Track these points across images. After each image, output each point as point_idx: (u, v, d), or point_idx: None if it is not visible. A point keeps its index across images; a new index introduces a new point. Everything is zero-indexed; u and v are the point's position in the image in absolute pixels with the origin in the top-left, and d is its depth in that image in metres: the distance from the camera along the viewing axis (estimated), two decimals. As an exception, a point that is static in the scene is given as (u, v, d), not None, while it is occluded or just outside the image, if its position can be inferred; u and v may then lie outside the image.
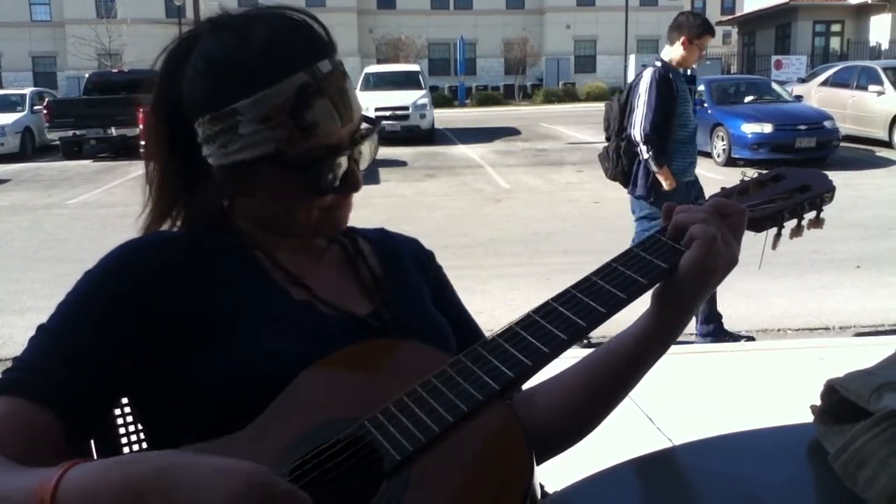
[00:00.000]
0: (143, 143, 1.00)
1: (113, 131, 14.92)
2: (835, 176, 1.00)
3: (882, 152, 12.88)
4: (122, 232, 0.97)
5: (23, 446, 0.75)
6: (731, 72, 36.95)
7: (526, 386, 0.85)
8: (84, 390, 0.82)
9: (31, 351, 0.84)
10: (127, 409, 1.02)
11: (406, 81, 17.64)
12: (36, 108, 16.48)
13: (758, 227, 0.92)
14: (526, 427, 0.73)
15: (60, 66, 37.92)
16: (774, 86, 14.35)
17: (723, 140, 12.03)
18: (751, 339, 4.36)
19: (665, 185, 4.14)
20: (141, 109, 1.01)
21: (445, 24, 39.95)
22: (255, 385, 0.82)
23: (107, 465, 0.66)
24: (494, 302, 5.05)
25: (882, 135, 13.36)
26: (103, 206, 9.85)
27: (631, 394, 0.95)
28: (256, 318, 0.89)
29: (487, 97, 32.29)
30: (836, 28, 32.80)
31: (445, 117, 21.85)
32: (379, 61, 31.06)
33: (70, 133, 15.26)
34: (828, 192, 0.95)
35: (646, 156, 4.14)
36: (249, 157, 0.89)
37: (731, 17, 47.75)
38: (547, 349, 0.76)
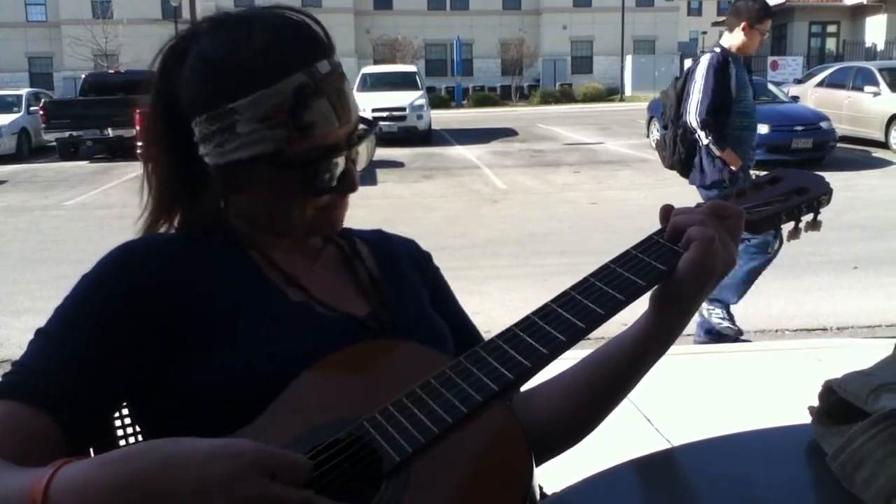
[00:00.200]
0: (140, 143, 1.00)
1: (110, 132, 14.89)
2: (831, 177, 1.00)
3: (878, 153, 12.91)
4: (120, 233, 0.97)
5: (22, 450, 0.75)
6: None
7: (525, 387, 0.85)
8: (83, 393, 0.82)
9: (30, 354, 0.84)
10: (125, 412, 1.02)
11: (403, 82, 17.64)
12: (32, 108, 16.44)
13: (755, 229, 0.93)
14: (525, 428, 0.73)
15: (57, 66, 37.86)
16: (771, 87, 14.35)
17: (719, 141, 12.03)
18: (746, 340, 4.37)
19: (733, 166, 3.99)
20: (138, 110, 1.01)
21: (442, 24, 39.97)
22: (254, 385, 0.82)
23: (98, 462, 0.66)
24: (492, 303, 5.05)
25: (878, 135, 13.39)
26: (100, 208, 9.84)
27: (630, 395, 0.95)
28: (256, 318, 0.89)
29: (484, 98, 32.30)
30: (832, 29, 32.89)
31: (442, 118, 21.85)
32: (376, 62, 31.08)
33: (66, 134, 15.22)
34: (825, 194, 0.95)
35: (705, 141, 4.01)
36: (247, 156, 0.90)
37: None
38: (546, 350, 0.76)
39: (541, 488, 0.87)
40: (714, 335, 4.25)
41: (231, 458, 0.63)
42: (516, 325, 0.80)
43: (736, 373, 3.76)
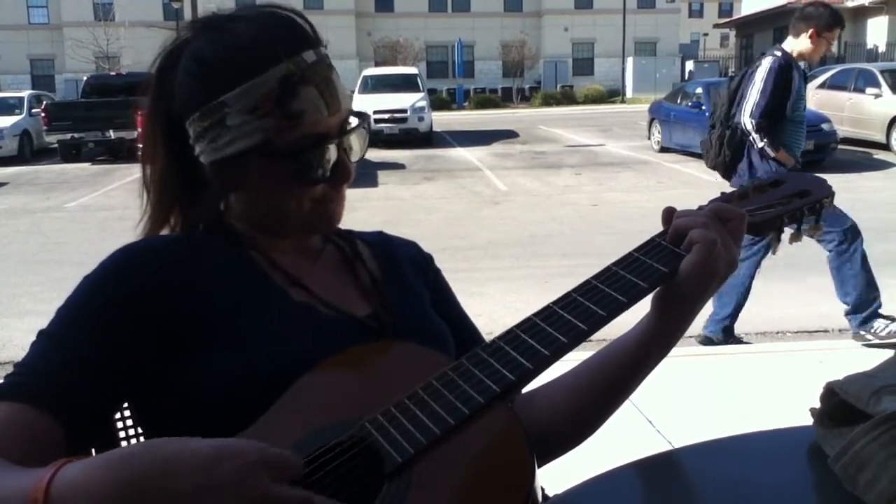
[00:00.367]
0: (140, 146, 1.01)
1: (111, 134, 14.90)
2: (832, 179, 1.00)
3: (879, 154, 12.90)
4: (121, 235, 0.97)
5: (24, 451, 0.75)
6: (729, 74, 37.02)
7: (527, 389, 0.85)
8: (85, 394, 0.82)
9: (32, 356, 0.84)
10: (127, 413, 1.02)
11: (404, 84, 17.64)
12: (34, 110, 16.45)
13: (757, 231, 0.93)
14: (527, 429, 0.73)
15: (58, 68, 37.92)
16: (772, 88, 14.34)
17: (721, 142, 12.03)
18: (746, 343, 4.36)
19: (787, 164, 3.92)
20: (139, 112, 1.02)
21: (443, 26, 40.00)
22: (255, 386, 0.83)
23: (99, 461, 0.65)
24: (493, 304, 5.05)
25: (879, 137, 13.38)
26: (102, 209, 9.84)
27: (631, 396, 0.95)
28: (256, 318, 0.89)
29: (485, 100, 32.33)
30: (833, 30, 32.83)
31: (443, 120, 21.86)
32: (377, 64, 31.09)
33: (68, 136, 15.24)
34: (827, 197, 0.96)
35: (760, 144, 3.91)
36: (239, 149, 0.90)
37: (728, 19, 47.89)
38: (547, 352, 0.76)
39: (542, 490, 0.87)
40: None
41: (235, 458, 0.64)
42: (518, 326, 0.80)
43: (737, 375, 3.76)
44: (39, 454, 0.75)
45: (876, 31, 30.40)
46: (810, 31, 4.00)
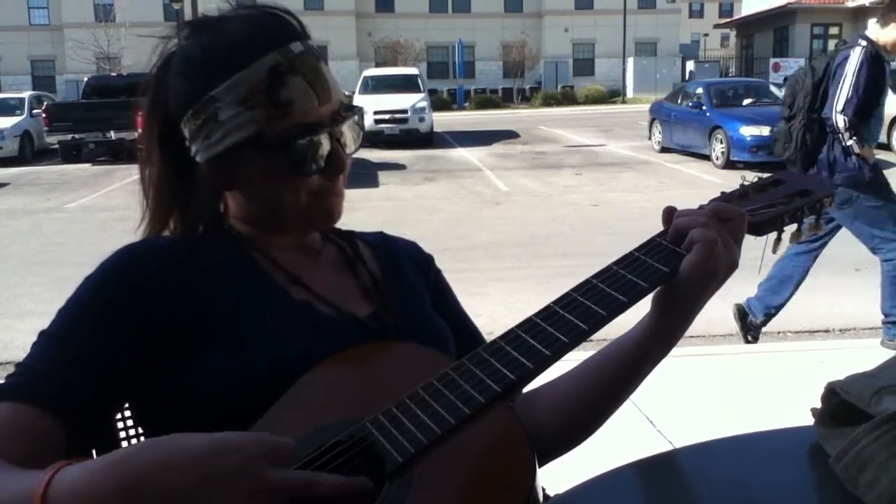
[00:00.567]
0: (140, 147, 1.01)
1: (112, 135, 14.92)
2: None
3: (880, 155, 12.86)
4: (122, 235, 0.97)
5: (25, 451, 0.75)
6: (730, 74, 37.02)
7: (527, 389, 0.85)
8: (86, 394, 0.82)
9: (33, 356, 0.84)
10: (128, 413, 1.02)
11: (405, 85, 17.65)
12: (35, 111, 16.47)
13: (758, 231, 0.93)
14: (527, 429, 0.73)
15: (59, 69, 37.94)
16: (773, 88, 14.36)
17: (721, 143, 12.05)
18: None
19: (869, 161, 3.85)
20: (139, 113, 1.02)
21: (444, 27, 40.01)
22: (255, 385, 0.83)
23: (99, 462, 0.65)
24: (494, 305, 5.05)
25: (881, 137, 13.37)
26: (102, 210, 9.85)
27: (632, 396, 0.95)
28: (256, 317, 0.89)
29: (486, 100, 32.34)
30: (834, 31, 32.86)
31: (444, 120, 21.87)
32: (377, 64, 31.09)
33: (69, 137, 15.27)
34: (827, 196, 0.96)
35: (849, 142, 3.80)
36: (232, 143, 0.90)
37: (729, 19, 47.91)
38: (548, 352, 0.76)
39: (543, 490, 0.87)
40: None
41: (235, 450, 0.64)
42: (518, 326, 0.80)
43: (738, 375, 3.76)
44: (40, 454, 0.75)
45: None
46: None
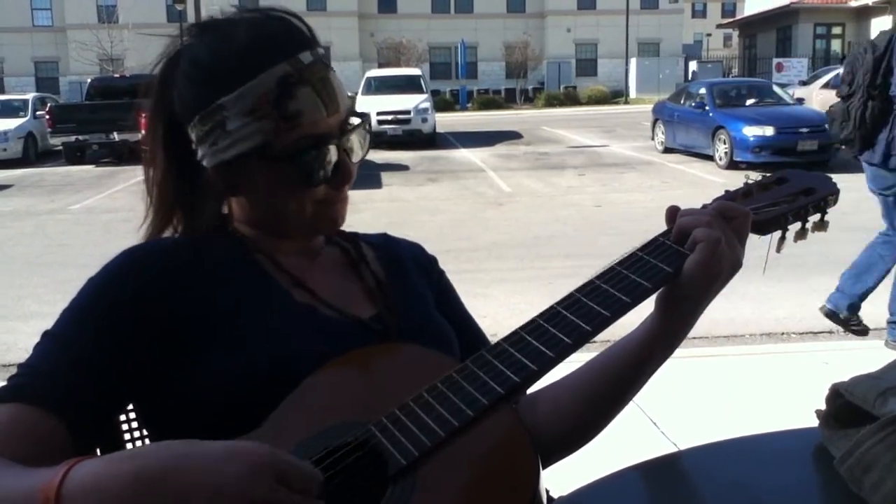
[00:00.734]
0: (144, 148, 1.01)
1: (115, 136, 14.96)
2: (837, 179, 1.00)
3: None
4: (125, 237, 0.97)
5: (29, 452, 0.75)
6: (733, 74, 36.99)
7: (531, 390, 0.85)
8: (89, 395, 0.82)
9: (36, 357, 0.84)
10: (132, 414, 1.02)
11: (407, 85, 17.66)
12: (38, 113, 16.52)
13: (762, 230, 0.92)
14: (531, 431, 0.73)
15: (62, 71, 38.02)
16: (776, 88, 14.35)
17: (724, 143, 12.03)
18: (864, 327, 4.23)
19: None
20: (142, 115, 1.02)
21: (446, 27, 40.02)
22: (255, 385, 0.83)
23: (111, 460, 0.66)
24: (497, 306, 5.05)
25: (884, 137, 13.34)
26: (106, 212, 9.87)
27: (635, 398, 0.95)
28: (257, 318, 0.89)
29: (489, 101, 32.35)
30: (836, 30, 32.84)
31: (447, 121, 21.87)
32: (380, 65, 31.12)
33: (73, 138, 15.31)
34: (832, 194, 0.95)
35: None
36: (239, 152, 0.90)
37: (731, 19, 47.88)
38: (552, 353, 0.76)
39: (547, 492, 0.87)
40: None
41: (246, 459, 0.64)
42: (522, 328, 0.80)
43: (742, 376, 3.75)
44: (44, 455, 0.75)
45: (879, 31, 30.36)
46: None
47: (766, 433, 0.87)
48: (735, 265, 0.85)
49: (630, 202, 9.36)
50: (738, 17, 47.03)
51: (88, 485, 0.63)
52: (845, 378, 0.82)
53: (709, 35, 55.16)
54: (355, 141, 0.95)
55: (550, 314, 0.80)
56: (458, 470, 0.70)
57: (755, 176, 1.00)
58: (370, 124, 0.98)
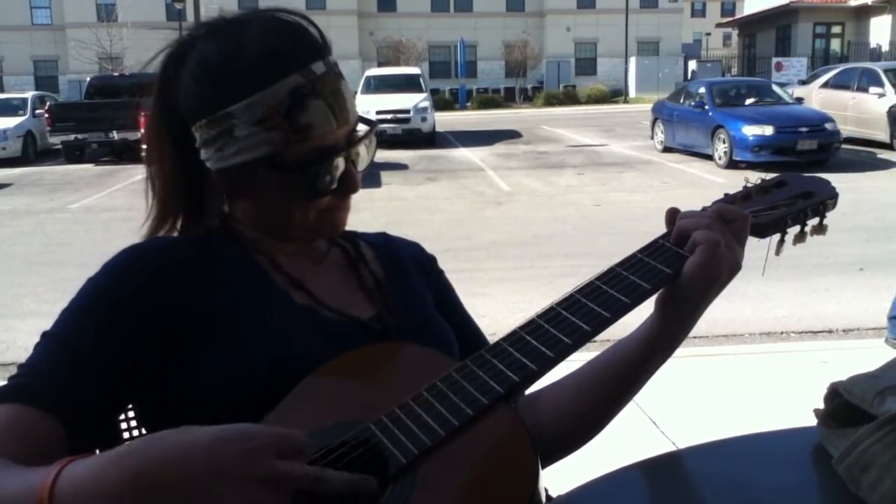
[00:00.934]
0: (144, 146, 1.01)
1: (115, 135, 14.94)
2: (836, 178, 1.00)
3: (883, 154, 12.87)
4: (125, 236, 0.97)
5: (28, 453, 0.75)
6: (732, 74, 36.96)
7: (531, 389, 0.85)
8: (89, 395, 0.82)
9: (35, 357, 0.84)
10: (131, 413, 1.02)
11: (407, 84, 17.64)
12: (37, 111, 16.49)
13: (761, 233, 0.93)
14: (531, 430, 0.73)
15: (62, 69, 37.97)
16: (775, 88, 14.35)
17: (724, 142, 12.04)
18: None
19: None
20: (142, 113, 1.01)
21: (446, 26, 39.99)
22: (255, 385, 0.83)
23: (106, 457, 0.65)
24: (497, 305, 5.05)
25: (883, 137, 13.35)
26: (106, 210, 9.86)
27: (635, 397, 0.95)
28: (257, 318, 0.89)
29: (488, 100, 32.32)
30: (836, 30, 32.83)
31: (446, 120, 21.86)
32: (380, 64, 31.09)
33: (72, 137, 15.29)
34: (830, 198, 0.95)
35: None
36: (246, 160, 0.90)
37: (731, 19, 47.86)
38: (552, 353, 0.76)
39: (546, 491, 0.87)
40: None
41: (243, 439, 0.64)
42: (522, 327, 0.80)
43: (741, 375, 3.76)
44: (43, 456, 0.75)
45: (879, 31, 30.36)
46: None
47: (765, 432, 0.87)
48: (734, 268, 0.85)
49: (629, 201, 9.36)
50: (738, 16, 47.03)
51: (81, 484, 0.63)
52: (844, 377, 0.82)
53: (708, 34, 55.14)
54: (362, 149, 0.95)
55: (550, 314, 0.80)
56: (458, 469, 0.70)
57: (754, 179, 1.00)
58: (377, 131, 0.98)
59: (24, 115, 16.62)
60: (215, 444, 0.63)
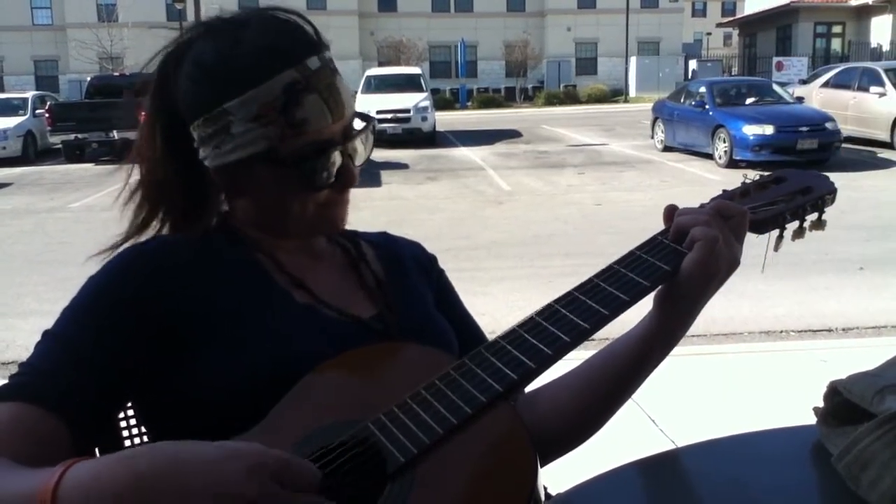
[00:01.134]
0: (135, 141, 1.00)
1: (115, 134, 14.93)
2: (836, 177, 1.00)
3: (884, 153, 12.87)
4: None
5: (30, 451, 0.75)
6: (733, 73, 36.96)
7: (530, 388, 0.85)
8: (90, 394, 0.82)
9: (37, 356, 0.84)
10: (131, 413, 1.02)
11: (407, 84, 17.64)
12: (38, 111, 16.49)
13: (760, 229, 0.92)
14: (530, 428, 0.73)
15: (62, 69, 37.97)
16: (776, 87, 14.34)
17: (724, 142, 12.03)
18: None
19: None
20: (140, 112, 1.01)
21: (446, 26, 39.98)
22: (256, 385, 0.83)
23: (108, 461, 0.65)
24: (497, 304, 5.05)
25: (884, 136, 13.35)
26: (106, 210, 9.81)
27: (634, 395, 0.95)
28: (257, 318, 0.89)
29: (489, 99, 32.31)
30: (836, 29, 32.81)
31: (447, 120, 21.86)
32: (380, 64, 31.08)
33: (72, 136, 15.29)
34: (829, 193, 0.95)
35: None
36: (243, 157, 0.90)
37: (731, 18, 47.83)
38: (550, 351, 0.76)
39: (545, 489, 0.87)
40: None
41: (244, 459, 0.64)
42: (520, 325, 0.80)
43: (741, 374, 3.76)
44: (45, 454, 0.75)
45: (879, 30, 30.34)
46: None
47: (764, 430, 0.87)
48: (733, 264, 0.85)
49: (630, 201, 9.35)
50: (738, 15, 47.00)
51: (85, 486, 0.63)
52: (843, 376, 0.82)
53: (709, 34, 55.13)
54: (359, 144, 0.95)
55: (549, 312, 0.80)
56: (457, 467, 0.70)
57: (753, 175, 1.00)
58: (375, 127, 0.98)
59: (25, 114, 16.63)
60: (219, 459, 0.63)
